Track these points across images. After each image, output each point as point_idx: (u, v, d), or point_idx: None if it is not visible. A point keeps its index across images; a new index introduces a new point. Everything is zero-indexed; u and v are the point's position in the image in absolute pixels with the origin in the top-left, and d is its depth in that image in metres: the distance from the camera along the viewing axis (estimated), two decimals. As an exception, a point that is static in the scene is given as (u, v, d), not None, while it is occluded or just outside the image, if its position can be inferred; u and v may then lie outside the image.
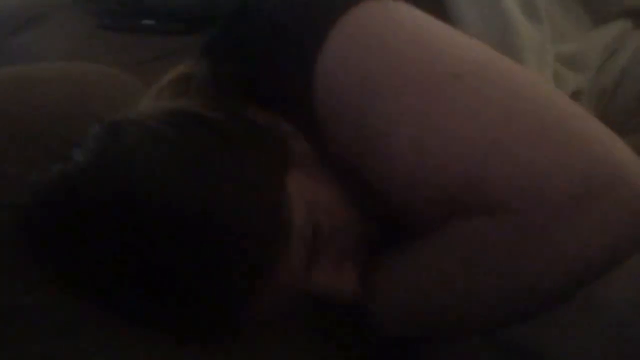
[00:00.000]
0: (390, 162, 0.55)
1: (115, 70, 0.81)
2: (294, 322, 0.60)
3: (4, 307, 0.53)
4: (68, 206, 0.53)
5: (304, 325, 0.62)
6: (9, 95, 0.66)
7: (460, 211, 0.54)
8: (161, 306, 0.52)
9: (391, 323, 0.61)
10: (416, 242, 0.59)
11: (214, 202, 0.51)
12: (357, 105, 0.55)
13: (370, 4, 0.57)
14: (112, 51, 1.16)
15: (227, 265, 0.51)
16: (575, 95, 0.77)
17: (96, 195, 0.51)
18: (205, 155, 0.53)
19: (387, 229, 0.62)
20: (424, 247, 0.58)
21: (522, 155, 0.51)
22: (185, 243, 0.50)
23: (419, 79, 0.54)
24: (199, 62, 0.62)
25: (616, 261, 0.51)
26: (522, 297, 0.54)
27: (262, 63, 0.59)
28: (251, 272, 0.52)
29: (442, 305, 0.57)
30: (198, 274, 0.51)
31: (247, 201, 0.52)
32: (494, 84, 0.54)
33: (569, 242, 0.51)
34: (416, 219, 0.58)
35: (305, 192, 0.56)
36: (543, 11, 0.74)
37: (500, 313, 0.56)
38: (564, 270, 0.52)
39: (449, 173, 0.53)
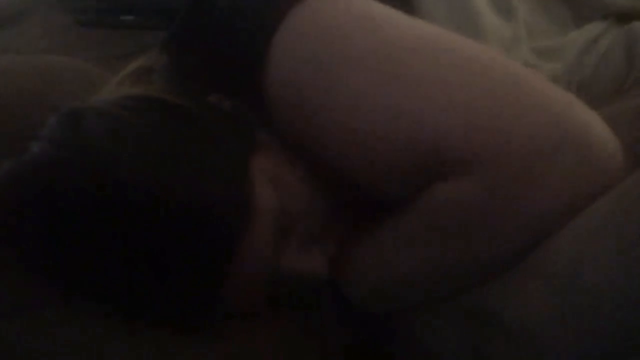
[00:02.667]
0: (354, 137, 0.56)
1: (85, 63, 0.81)
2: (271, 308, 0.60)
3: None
4: (25, 198, 0.52)
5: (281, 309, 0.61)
6: None
7: (426, 180, 0.55)
8: (131, 288, 0.53)
9: (365, 298, 0.62)
10: (386, 217, 0.59)
11: (175, 185, 0.52)
12: (313, 85, 0.56)
13: None
14: (91, 47, 1.15)
15: (192, 245, 0.52)
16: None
17: (55, 186, 0.51)
18: (167, 139, 0.54)
19: (357, 211, 0.62)
20: (394, 220, 0.59)
21: (482, 115, 0.52)
22: (152, 226, 0.51)
23: (376, 53, 0.55)
24: (159, 55, 0.63)
25: (573, 216, 0.52)
26: (492, 258, 0.55)
27: (219, 51, 0.60)
28: (217, 253, 0.53)
29: (415, 275, 0.58)
30: (166, 255, 0.52)
31: (209, 183, 0.53)
32: (449, 52, 0.56)
33: (536, 198, 0.52)
34: (384, 196, 0.59)
35: (270, 176, 0.57)
36: (517, 9, 0.76)
37: (471, 277, 0.56)
38: (532, 226, 0.53)
39: (413, 139, 0.54)
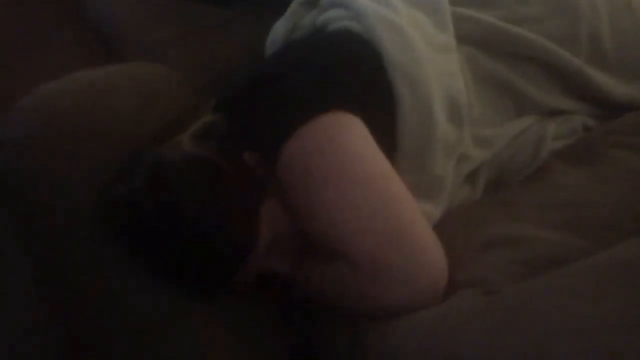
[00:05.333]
0: (309, 219, 0.92)
1: (169, 71, 1.02)
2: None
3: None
4: (134, 213, 0.90)
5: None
6: (88, 103, 0.95)
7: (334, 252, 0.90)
8: (181, 271, 0.91)
9: (304, 294, 0.97)
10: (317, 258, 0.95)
11: (214, 220, 0.89)
12: (298, 184, 0.92)
13: (329, 119, 0.93)
14: (171, 20, 1.32)
15: (219, 250, 0.90)
16: (477, 168, 1.09)
17: (150, 208, 0.89)
18: (211, 191, 0.91)
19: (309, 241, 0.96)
20: (317, 264, 0.95)
21: (370, 240, 0.88)
22: (195, 241, 0.89)
23: (333, 181, 0.91)
24: (218, 114, 0.98)
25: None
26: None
27: (256, 128, 0.96)
28: (235, 258, 0.91)
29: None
30: (204, 254, 0.90)
31: (235, 224, 0.91)
32: (375, 193, 0.91)
33: (378, 294, 0.87)
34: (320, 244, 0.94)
35: (272, 213, 0.93)
36: (465, 118, 1.04)
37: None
38: (370, 306, 0.89)
39: (329, 233, 0.90)
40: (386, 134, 0.99)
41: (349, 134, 0.94)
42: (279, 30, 1.21)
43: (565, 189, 0.98)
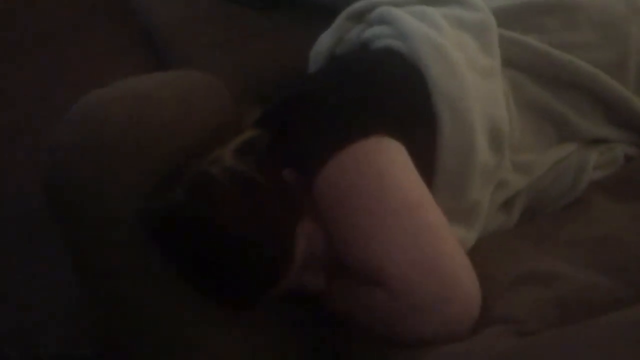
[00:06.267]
0: (344, 244, 0.94)
1: (214, 80, 1.02)
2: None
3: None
4: (175, 227, 0.92)
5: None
6: (134, 113, 0.97)
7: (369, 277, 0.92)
8: (218, 285, 0.93)
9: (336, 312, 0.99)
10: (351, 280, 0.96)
11: (252, 236, 0.90)
12: (334, 208, 0.93)
13: (369, 144, 0.94)
14: (227, 21, 1.35)
15: (255, 266, 0.91)
16: (515, 195, 1.08)
17: (190, 222, 0.91)
18: (251, 208, 0.92)
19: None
20: (351, 286, 0.96)
21: (405, 269, 0.88)
22: (232, 256, 0.91)
23: (371, 208, 0.92)
24: (260, 129, 0.99)
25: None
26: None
27: (297, 148, 0.96)
28: (273, 272, 0.92)
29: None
30: (240, 270, 0.92)
31: (271, 238, 0.91)
32: (412, 222, 0.91)
33: (411, 321, 0.88)
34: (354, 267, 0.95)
35: (308, 232, 0.93)
36: (506, 144, 1.03)
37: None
38: (402, 332, 0.90)
39: (366, 260, 0.91)
40: (426, 158, 0.99)
41: (389, 160, 0.94)
42: (324, 42, 1.21)
43: (602, 225, 0.97)
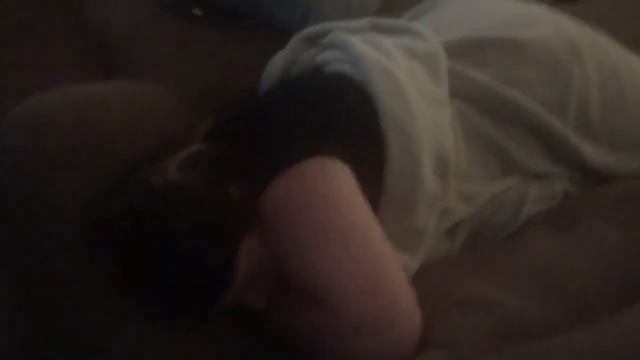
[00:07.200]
0: (288, 261, 0.93)
1: (164, 90, 1.01)
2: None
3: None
4: (114, 237, 0.91)
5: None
6: (79, 118, 0.96)
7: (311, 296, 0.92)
8: (155, 298, 0.91)
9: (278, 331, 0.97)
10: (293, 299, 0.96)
11: (189, 250, 0.89)
12: (279, 225, 0.93)
13: (316, 164, 0.94)
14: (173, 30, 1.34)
15: (193, 282, 0.89)
16: (458, 223, 1.10)
17: (129, 233, 0.90)
18: (189, 220, 0.90)
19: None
20: (293, 305, 0.96)
21: (347, 289, 0.89)
22: (169, 270, 0.89)
23: (315, 227, 0.92)
24: (209, 143, 0.97)
25: None
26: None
27: (244, 164, 0.96)
28: (207, 288, 0.89)
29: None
30: (178, 285, 0.90)
31: (211, 252, 0.90)
32: (356, 244, 0.92)
33: (352, 342, 0.89)
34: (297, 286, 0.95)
35: (252, 249, 0.92)
36: (451, 172, 1.05)
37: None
38: (342, 353, 0.90)
39: (311, 281, 0.92)
40: (372, 181, 1.00)
41: (334, 181, 0.95)
42: (277, 63, 1.22)
43: (543, 254, 1.00)
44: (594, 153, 1.16)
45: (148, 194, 0.91)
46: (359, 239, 0.93)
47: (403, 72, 1.08)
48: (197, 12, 1.40)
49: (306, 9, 1.35)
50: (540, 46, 1.16)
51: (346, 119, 1.03)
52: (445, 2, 1.31)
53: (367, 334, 0.88)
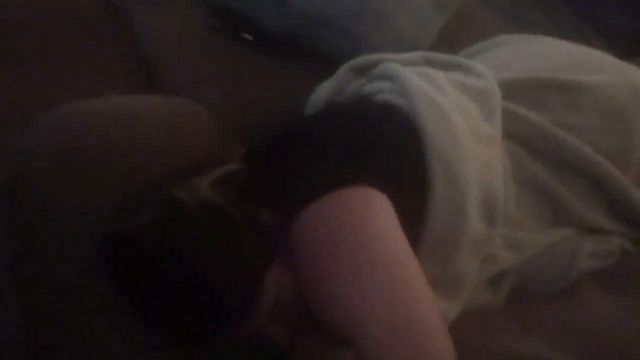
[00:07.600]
0: (315, 294, 0.86)
1: (201, 108, 1.00)
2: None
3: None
4: (133, 249, 0.83)
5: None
6: (107, 128, 0.92)
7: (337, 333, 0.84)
8: (168, 320, 0.83)
9: None
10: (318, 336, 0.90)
11: (214, 273, 0.82)
12: (309, 255, 0.86)
13: (353, 193, 0.88)
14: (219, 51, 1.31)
15: (213, 307, 0.83)
16: (503, 273, 1.02)
17: (150, 247, 0.82)
18: (218, 242, 0.84)
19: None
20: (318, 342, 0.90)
21: (377, 329, 0.81)
22: (189, 291, 0.82)
23: (347, 258, 0.84)
24: (244, 165, 0.92)
25: None
26: None
27: (278, 189, 0.91)
28: (227, 316, 0.83)
29: None
30: (196, 307, 0.82)
31: (236, 277, 0.83)
32: (390, 278, 0.84)
33: None
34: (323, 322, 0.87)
35: (278, 279, 0.86)
36: (499, 217, 0.97)
37: None
38: None
39: (339, 316, 0.83)
40: (413, 217, 0.93)
41: (372, 211, 0.88)
42: (323, 91, 1.18)
43: (592, 315, 0.92)
44: None
45: (175, 208, 0.85)
46: (392, 274, 0.85)
47: (453, 106, 1.02)
48: (247, 36, 1.39)
49: (357, 41, 1.32)
50: (602, 91, 1.09)
51: (389, 150, 0.97)
52: (506, 42, 1.26)
53: None
